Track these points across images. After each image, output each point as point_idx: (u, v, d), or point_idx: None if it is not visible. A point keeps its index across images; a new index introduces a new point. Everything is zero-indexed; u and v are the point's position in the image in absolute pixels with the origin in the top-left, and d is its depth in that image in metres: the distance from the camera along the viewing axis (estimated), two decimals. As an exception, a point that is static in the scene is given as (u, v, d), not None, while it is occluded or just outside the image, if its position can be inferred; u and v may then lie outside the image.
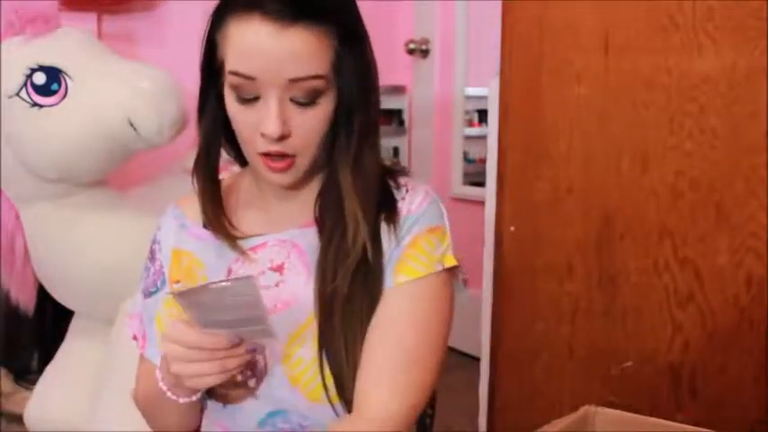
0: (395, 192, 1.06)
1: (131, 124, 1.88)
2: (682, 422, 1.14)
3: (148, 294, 1.14)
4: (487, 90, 2.14)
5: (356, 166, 1.02)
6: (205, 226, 1.09)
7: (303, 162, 1.01)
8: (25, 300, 2.18)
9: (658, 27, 1.54)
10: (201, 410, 1.11)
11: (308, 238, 1.05)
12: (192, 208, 1.11)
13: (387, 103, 3.46)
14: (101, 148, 1.93)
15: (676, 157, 1.53)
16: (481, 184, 2.37)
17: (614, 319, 1.62)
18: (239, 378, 1.02)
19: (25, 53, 1.92)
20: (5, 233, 2.08)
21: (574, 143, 1.65)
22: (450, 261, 1.05)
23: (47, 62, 1.91)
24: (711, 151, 1.50)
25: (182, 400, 1.01)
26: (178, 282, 1.11)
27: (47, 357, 2.28)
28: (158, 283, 1.13)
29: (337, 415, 1.02)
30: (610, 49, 1.60)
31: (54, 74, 1.91)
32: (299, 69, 0.95)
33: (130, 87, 1.89)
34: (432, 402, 1.20)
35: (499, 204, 1.77)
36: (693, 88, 1.51)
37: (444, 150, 3.44)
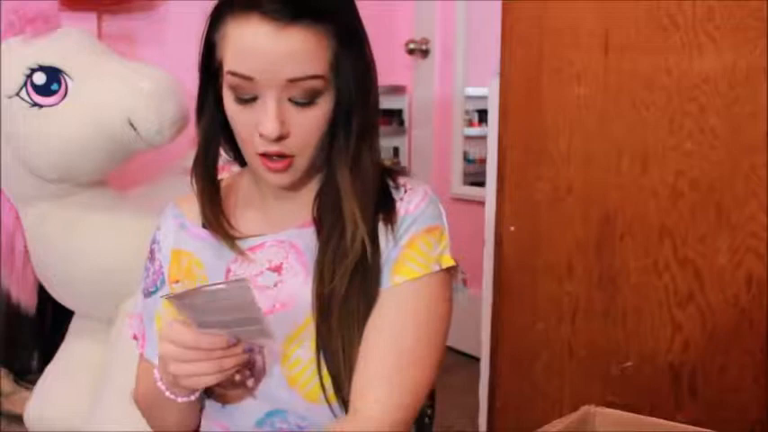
0: (393, 192, 1.06)
1: (131, 124, 1.88)
2: (682, 422, 1.14)
3: (148, 294, 1.14)
4: (487, 90, 2.14)
5: (355, 167, 1.02)
6: (204, 226, 1.09)
7: (302, 162, 1.01)
8: (25, 300, 2.18)
9: (658, 27, 1.54)
10: (201, 410, 1.12)
11: (307, 239, 1.05)
12: (191, 208, 1.11)
13: (387, 103, 3.46)
14: (101, 148, 1.93)
15: (676, 157, 1.53)
16: (481, 183, 2.38)
17: (614, 319, 1.62)
18: (237, 378, 1.02)
19: (25, 53, 1.93)
20: (5, 233, 2.08)
21: (574, 143, 1.65)
22: (448, 261, 1.04)
23: (47, 62, 1.91)
24: (711, 151, 1.50)
25: (180, 400, 1.02)
26: (177, 282, 1.11)
27: (47, 357, 2.29)
28: (158, 282, 1.13)
29: (335, 415, 1.02)
30: (610, 49, 1.60)
31: (54, 74, 1.91)
32: (298, 69, 0.95)
33: (130, 87, 1.89)
34: (431, 402, 1.20)
35: (499, 204, 1.77)
36: (693, 88, 1.51)
37: (444, 150, 3.45)
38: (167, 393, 1.01)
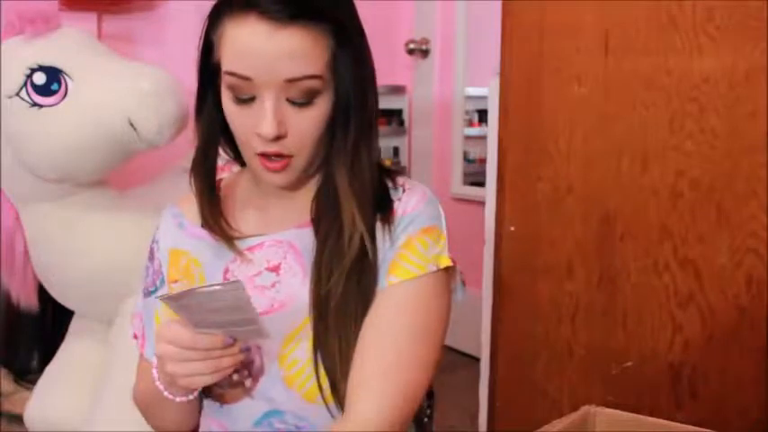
0: (392, 192, 1.06)
1: (131, 124, 1.88)
2: (682, 422, 1.13)
3: (148, 294, 1.14)
4: (487, 90, 2.14)
5: (353, 167, 1.02)
6: (203, 225, 1.09)
7: (300, 162, 1.01)
8: (25, 300, 2.17)
9: (658, 27, 1.53)
10: (199, 409, 1.12)
11: (305, 239, 1.05)
12: (190, 208, 1.11)
13: (387, 103, 3.46)
14: (101, 148, 1.93)
15: (676, 157, 1.53)
16: (481, 184, 2.37)
17: (614, 319, 1.62)
18: (235, 378, 1.02)
19: (25, 53, 1.92)
20: (5, 233, 2.08)
21: (574, 143, 1.65)
22: (446, 262, 1.04)
23: (47, 62, 1.91)
24: (711, 151, 1.50)
25: (178, 399, 1.02)
26: (176, 281, 1.11)
27: (47, 357, 2.28)
28: (157, 282, 1.13)
29: (332, 416, 1.02)
30: (610, 49, 1.60)
31: (54, 74, 1.90)
32: (295, 69, 0.95)
33: (130, 87, 1.89)
34: (429, 402, 1.20)
35: (499, 204, 1.77)
36: (693, 88, 1.51)
37: (444, 150, 3.44)
38: (165, 393, 1.02)
